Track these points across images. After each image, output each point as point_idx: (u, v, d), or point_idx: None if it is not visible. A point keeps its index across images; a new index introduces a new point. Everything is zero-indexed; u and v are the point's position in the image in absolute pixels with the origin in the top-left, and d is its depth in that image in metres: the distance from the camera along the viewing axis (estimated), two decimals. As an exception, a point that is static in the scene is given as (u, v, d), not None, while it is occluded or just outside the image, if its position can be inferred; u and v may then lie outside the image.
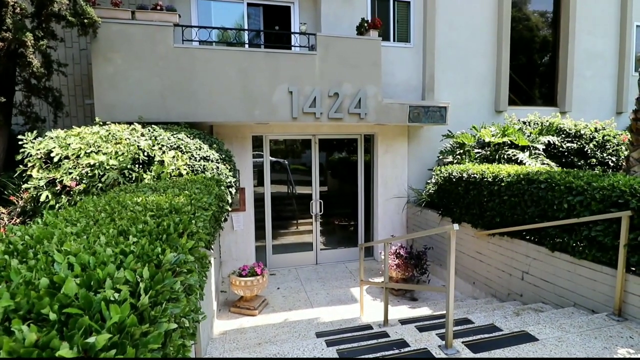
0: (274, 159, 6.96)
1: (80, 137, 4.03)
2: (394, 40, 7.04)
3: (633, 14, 8.23)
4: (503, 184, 4.62)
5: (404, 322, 4.09)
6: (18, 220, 3.66)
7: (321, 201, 7.09)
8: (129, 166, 3.86)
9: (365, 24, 6.12)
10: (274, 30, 6.83)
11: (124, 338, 0.95)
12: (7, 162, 4.58)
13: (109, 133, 4.14)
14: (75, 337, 0.87)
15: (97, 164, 3.75)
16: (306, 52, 5.76)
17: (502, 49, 7.49)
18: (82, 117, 5.91)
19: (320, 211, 7.11)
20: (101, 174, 3.74)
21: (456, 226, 2.91)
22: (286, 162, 7.07)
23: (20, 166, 3.81)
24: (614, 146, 6.49)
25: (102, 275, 1.17)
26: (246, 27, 6.52)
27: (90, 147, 3.91)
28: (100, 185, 3.70)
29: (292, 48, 6.32)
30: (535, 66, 8.33)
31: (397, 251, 5.80)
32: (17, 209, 3.80)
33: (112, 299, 1.06)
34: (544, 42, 8.31)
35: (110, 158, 3.83)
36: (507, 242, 4.69)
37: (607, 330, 3.09)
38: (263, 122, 5.76)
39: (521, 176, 4.43)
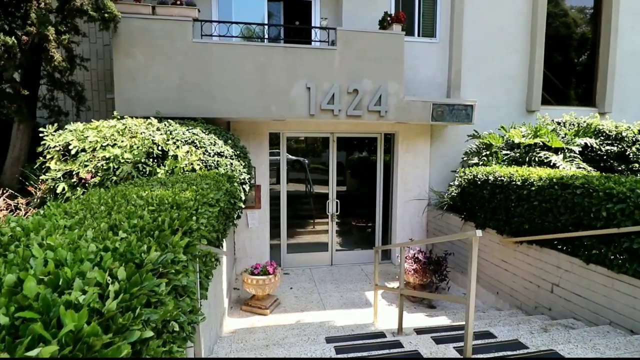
0: (292, 157, 6.84)
1: (97, 130, 4.05)
2: (418, 35, 6.75)
3: (683, 7, 7.54)
4: (533, 189, 4.29)
5: (419, 331, 3.87)
6: (35, 211, 3.71)
7: (338, 201, 6.91)
8: (143, 160, 3.83)
9: (388, 18, 5.88)
10: (293, 25, 6.71)
11: (78, 350, 0.83)
12: (32, 154, 4.69)
13: (125, 127, 4.13)
14: (18, 348, 0.76)
15: (112, 157, 3.74)
16: (326, 47, 5.60)
17: (535, 46, 7.05)
18: (104, 111, 6.00)
19: (337, 211, 6.93)
20: (116, 167, 3.73)
21: (479, 232, 2.70)
22: (306, 161, 6.95)
23: (41, 158, 3.87)
24: (659, 150, 5.96)
25: (71, 274, 1.05)
26: (266, 23, 6.44)
27: (106, 140, 3.92)
28: (114, 178, 3.70)
29: (312, 43, 6.18)
30: (571, 64, 7.81)
31: (416, 255, 5.55)
32: (36, 200, 3.86)
33: (76, 302, 0.94)
34: (582, 39, 7.78)
35: (125, 152, 3.82)
36: (536, 251, 4.36)
37: (649, 354, 2.77)
38: (280, 119, 5.65)
39: (554, 180, 4.10)
